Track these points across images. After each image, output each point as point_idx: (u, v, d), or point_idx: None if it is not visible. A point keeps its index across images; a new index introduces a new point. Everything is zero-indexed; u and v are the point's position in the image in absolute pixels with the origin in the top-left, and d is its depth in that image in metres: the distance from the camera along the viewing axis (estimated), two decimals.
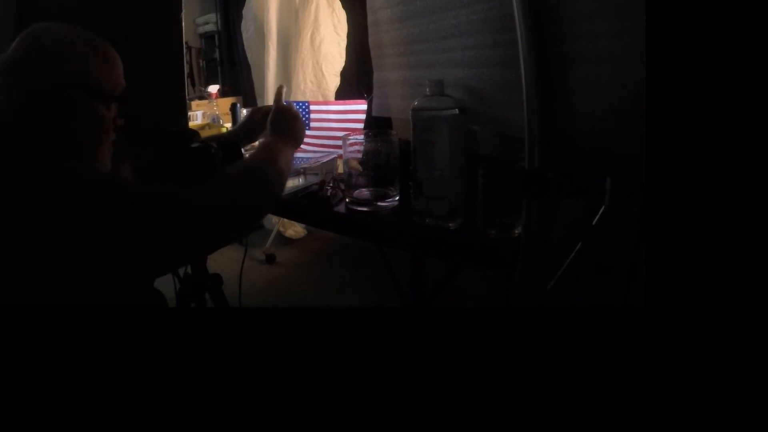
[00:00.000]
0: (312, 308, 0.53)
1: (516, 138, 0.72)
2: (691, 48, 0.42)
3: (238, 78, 3.16)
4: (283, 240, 2.66)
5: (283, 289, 2.20)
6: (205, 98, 2.87)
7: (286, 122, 0.91)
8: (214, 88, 2.82)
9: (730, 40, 0.41)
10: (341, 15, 2.36)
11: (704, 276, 0.41)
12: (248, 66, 2.58)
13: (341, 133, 1.06)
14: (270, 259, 2.43)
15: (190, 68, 3.35)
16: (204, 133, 1.18)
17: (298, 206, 1.06)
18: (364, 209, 0.97)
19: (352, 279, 2.23)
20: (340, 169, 1.14)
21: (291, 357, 0.47)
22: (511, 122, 0.79)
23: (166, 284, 0.93)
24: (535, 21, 0.65)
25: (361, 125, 1.46)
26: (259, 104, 2.48)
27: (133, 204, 0.58)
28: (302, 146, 1.50)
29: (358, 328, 0.50)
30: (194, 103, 2.74)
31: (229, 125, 2.24)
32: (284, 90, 0.99)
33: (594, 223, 0.73)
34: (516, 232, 0.78)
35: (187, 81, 2.08)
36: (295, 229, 2.69)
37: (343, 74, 2.43)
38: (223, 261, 0.73)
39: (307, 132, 1.51)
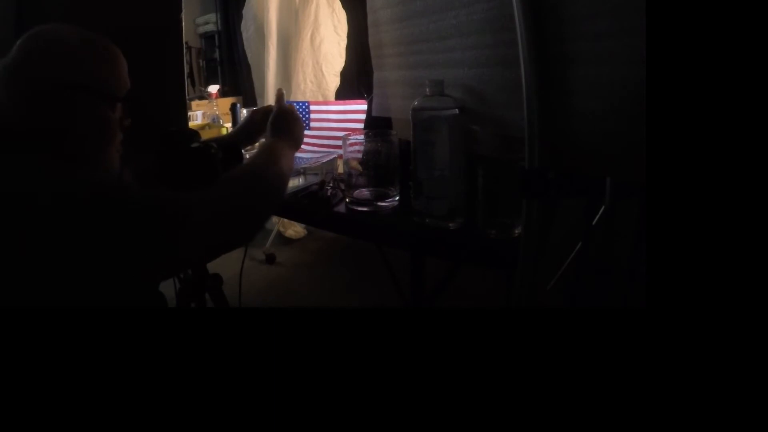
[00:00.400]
0: (312, 308, 0.53)
1: (516, 138, 0.72)
2: (691, 48, 0.42)
3: (238, 78, 3.16)
4: (283, 240, 2.66)
5: (283, 289, 2.20)
6: (205, 98, 2.87)
7: (287, 123, 0.91)
8: (214, 88, 2.82)
9: (731, 40, 0.41)
10: (341, 15, 2.36)
11: (704, 276, 0.41)
12: (248, 66, 2.58)
13: (341, 133, 1.06)
14: (270, 259, 2.43)
15: (190, 68, 3.36)
16: (204, 134, 1.18)
17: (298, 206, 1.06)
18: (364, 209, 0.97)
19: (352, 279, 2.23)
20: (340, 169, 1.14)
21: (291, 357, 0.47)
22: (511, 122, 0.79)
23: (166, 284, 0.93)
24: (535, 21, 0.65)
25: (361, 125, 1.46)
26: (259, 104, 2.48)
27: (138, 209, 0.58)
28: (302, 146, 1.51)
29: (358, 328, 0.50)
30: (194, 103, 2.74)
31: (229, 125, 2.24)
32: (284, 93, 0.99)
33: (594, 223, 0.73)
34: (516, 232, 0.78)
35: (187, 81, 2.08)
36: (295, 229, 2.69)
37: (343, 74, 2.43)
38: (223, 261, 0.73)
39: (307, 132, 1.51)
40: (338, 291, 2.15)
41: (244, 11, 2.47)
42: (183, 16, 1.72)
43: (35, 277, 0.53)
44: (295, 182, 1.13)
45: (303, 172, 1.15)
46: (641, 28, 0.48)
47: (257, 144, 1.23)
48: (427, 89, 0.85)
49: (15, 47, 0.65)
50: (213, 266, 1.00)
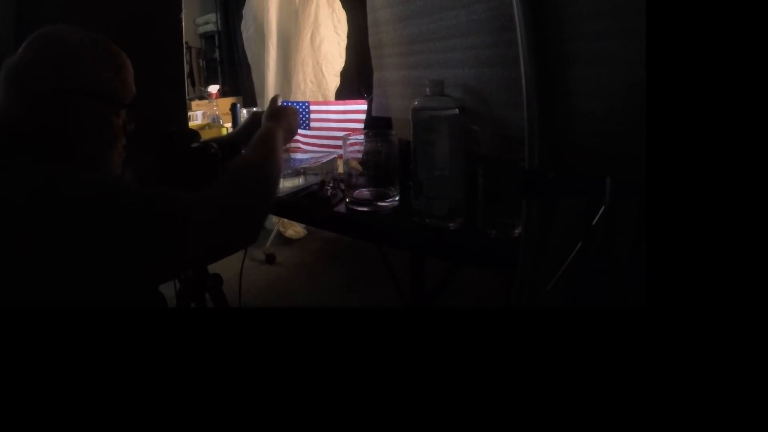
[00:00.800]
0: (312, 308, 0.53)
1: (516, 138, 0.72)
2: (692, 48, 0.42)
3: (238, 78, 3.16)
4: (283, 240, 2.66)
5: (283, 289, 2.20)
6: (205, 98, 2.87)
7: (283, 112, 0.93)
8: (214, 88, 2.82)
9: (731, 40, 0.41)
10: (341, 15, 2.36)
11: (704, 276, 0.41)
12: (248, 66, 2.58)
13: (341, 133, 1.06)
14: (270, 259, 2.43)
15: (190, 68, 3.36)
16: (204, 134, 1.18)
17: (298, 206, 1.06)
18: (364, 209, 0.97)
19: (352, 279, 2.23)
20: (340, 169, 1.14)
21: (291, 357, 0.47)
22: (511, 122, 0.79)
23: (166, 284, 0.93)
24: (535, 21, 0.65)
25: (361, 125, 1.46)
26: (259, 104, 2.48)
27: (139, 208, 0.58)
28: (302, 146, 1.51)
29: (358, 328, 0.50)
30: (194, 103, 2.74)
31: (229, 125, 2.23)
32: (280, 99, 1.00)
33: (594, 223, 0.73)
34: (516, 232, 0.78)
35: (187, 81, 2.08)
36: (295, 229, 2.69)
37: (343, 74, 2.43)
38: (223, 261, 0.73)
39: (307, 132, 1.51)
40: (338, 291, 2.15)
41: (244, 11, 2.47)
42: (183, 16, 1.72)
43: (38, 277, 0.53)
44: (295, 182, 1.13)
45: (303, 172, 1.15)
46: (641, 28, 0.48)
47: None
48: (427, 89, 0.85)
49: (22, 48, 0.65)
50: (213, 266, 1.00)
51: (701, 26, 0.42)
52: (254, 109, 1.54)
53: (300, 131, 1.50)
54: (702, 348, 0.40)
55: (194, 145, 0.89)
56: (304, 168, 1.16)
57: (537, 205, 0.67)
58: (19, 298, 0.54)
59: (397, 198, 0.98)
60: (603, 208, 0.69)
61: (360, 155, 0.99)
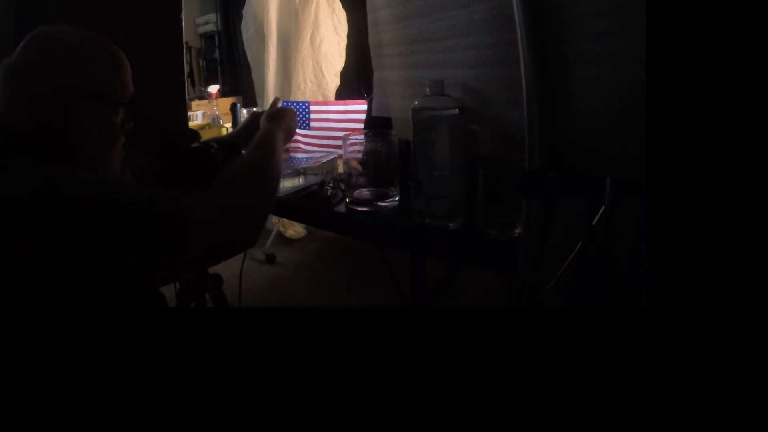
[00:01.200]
0: (312, 308, 0.53)
1: (516, 138, 0.72)
2: (692, 48, 0.42)
3: (238, 78, 3.16)
4: (283, 240, 2.66)
5: (283, 289, 2.20)
6: (205, 98, 2.87)
7: (282, 114, 0.94)
8: (214, 88, 2.82)
9: (731, 40, 0.41)
10: (341, 15, 2.36)
11: (704, 276, 0.41)
12: (248, 66, 2.58)
13: (341, 133, 1.06)
14: (270, 259, 2.43)
15: (190, 68, 3.36)
16: (204, 134, 1.18)
17: (298, 206, 1.06)
18: (364, 209, 0.97)
19: (352, 279, 2.23)
20: (340, 169, 1.14)
21: (291, 357, 0.47)
22: (511, 122, 0.79)
23: (166, 284, 0.93)
24: (535, 21, 0.65)
25: (361, 125, 1.45)
26: (259, 104, 2.48)
27: (138, 208, 0.58)
28: (302, 146, 1.51)
29: (358, 328, 0.50)
30: (194, 103, 2.74)
31: (229, 125, 2.24)
32: (280, 101, 1.01)
33: (594, 223, 0.73)
34: (516, 232, 0.78)
35: (187, 81, 2.08)
36: (295, 229, 2.69)
37: (343, 74, 2.43)
38: (224, 261, 0.73)
39: (307, 132, 1.51)
40: (338, 291, 2.15)
41: (244, 11, 2.47)
42: (183, 16, 1.72)
43: (37, 277, 0.53)
44: (295, 182, 1.13)
45: (303, 172, 1.15)
46: (641, 28, 0.48)
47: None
48: (427, 89, 0.85)
49: (20, 47, 0.65)
50: (213, 266, 1.00)
51: (701, 26, 0.42)
52: (254, 109, 1.54)
53: (300, 131, 1.50)
54: (702, 348, 0.40)
55: (194, 145, 0.89)
56: (304, 168, 1.16)
57: (537, 205, 0.67)
58: (19, 297, 0.54)
59: (397, 198, 0.98)
60: (603, 208, 0.69)
61: (360, 155, 0.99)
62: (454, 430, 0.44)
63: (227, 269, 1.10)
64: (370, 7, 1.25)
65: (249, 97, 2.81)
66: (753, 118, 0.40)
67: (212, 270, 1.07)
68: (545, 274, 0.74)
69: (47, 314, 0.49)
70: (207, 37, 3.59)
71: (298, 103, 1.55)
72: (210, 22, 3.49)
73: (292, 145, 1.39)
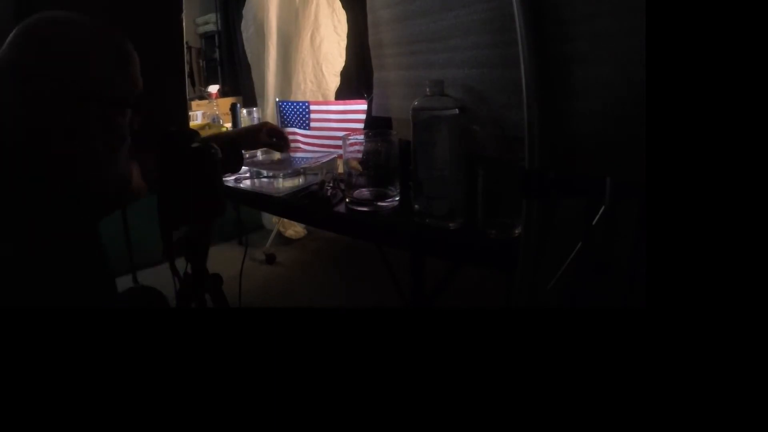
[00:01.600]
0: (312, 308, 0.53)
1: (516, 138, 0.72)
2: (692, 48, 0.42)
3: (238, 78, 3.16)
4: (283, 240, 2.66)
5: (283, 289, 2.20)
6: (205, 98, 2.87)
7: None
8: (214, 88, 2.81)
9: (731, 40, 0.41)
10: (341, 15, 2.36)
11: (704, 276, 0.41)
12: (248, 66, 2.58)
13: (341, 133, 1.06)
14: (270, 259, 2.43)
15: (190, 68, 3.36)
16: (204, 134, 1.18)
17: (298, 206, 1.06)
18: (364, 209, 0.97)
19: (353, 279, 2.23)
20: (340, 169, 1.14)
21: (291, 357, 0.47)
22: (511, 122, 0.79)
23: (166, 284, 0.93)
24: (535, 21, 0.65)
25: (361, 125, 1.45)
26: (259, 104, 2.48)
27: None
28: (302, 146, 1.51)
29: (358, 328, 0.50)
30: (194, 103, 2.74)
31: (229, 125, 2.23)
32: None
33: (594, 223, 0.73)
34: (516, 232, 0.78)
35: (187, 81, 2.08)
36: (295, 229, 2.69)
37: (343, 74, 2.43)
38: (223, 261, 0.73)
39: (307, 132, 1.51)
40: (338, 291, 2.15)
41: (244, 11, 2.47)
42: (183, 16, 1.72)
43: (38, 277, 0.53)
44: (295, 182, 1.13)
45: (303, 172, 1.15)
46: (641, 28, 0.48)
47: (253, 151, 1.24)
48: (427, 89, 0.85)
49: (10, 40, 0.59)
50: (213, 266, 1.00)
51: (701, 26, 0.42)
52: (254, 109, 1.54)
53: (300, 131, 1.50)
54: (702, 348, 0.40)
55: (194, 145, 0.89)
56: (304, 168, 1.16)
57: (537, 205, 0.67)
58: (24, 298, 0.53)
59: (397, 198, 0.98)
60: (603, 208, 0.69)
61: (360, 155, 0.99)
62: (454, 430, 0.44)
63: (227, 269, 1.10)
64: (370, 7, 1.25)
65: (249, 97, 2.81)
66: (753, 118, 0.40)
67: (212, 270, 1.06)
68: (545, 274, 0.74)
69: (47, 314, 0.49)
70: (207, 37, 3.59)
71: (298, 103, 1.55)
72: (210, 22, 3.49)
73: (292, 145, 1.39)
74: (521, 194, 0.68)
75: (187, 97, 1.98)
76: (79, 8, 0.65)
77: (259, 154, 1.34)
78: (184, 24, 1.73)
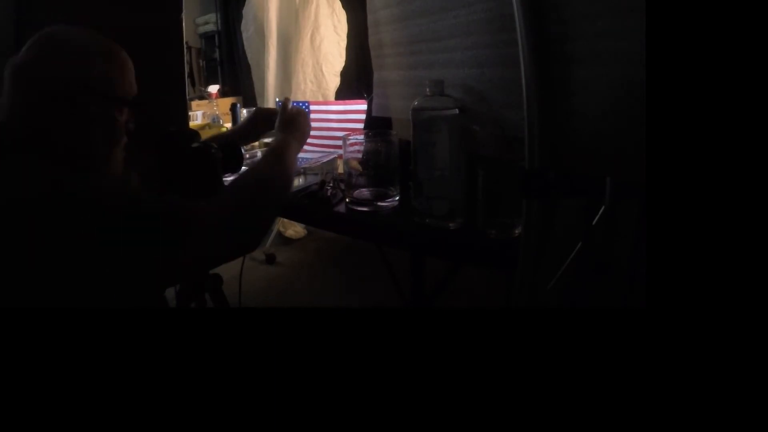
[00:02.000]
0: (312, 308, 0.53)
1: (516, 138, 0.72)
2: (692, 48, 0.42)
3: (238, 78, 3.16)
4: (283, 240, 2.66)
5: (283, 289, 2.20)
6: (205, 98, 2.87)
7: (296, 122, 0.93)
8: (214, 88, 2.81)
9: (731, 40, 0.41)
10: (341, 15, 2.36)
11: (704, 276, 0.41)
12: (248, 66, 2.58)
13: (341, 133, 1.06)
14: (270, 259, 2.43)
15: (190, 68, 3.35)
16: (204, 134, 1.18)
17: (298, 206, 1.06)
18: (364, 209, 0.97)
19: (353, 279, 2.23)
20: (340, 169, 1.14)
21: (291, 357, 0.47)
22: (511, 122, 0.79)
23: (168, 287, 0.93)
24: (535, 21, 0.65)
25: (361, 125, 1.45)
26: (259, 104, 2.48)
27: (146, 215, 0.59)
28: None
29: (358, 328, 0.50)
30: (194, 103, 2.73)
31: (229, 125, 2.24)
32: (290, 102, 1.01)
33: (594, 223, 0.73)
34: (516, 232, 0.78)
35: (187, 81, 2.08)
36: (295, 229, 2.69)
37: (343, 74, 2.43)
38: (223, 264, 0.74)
39: None
40: (338, 291, 2.15)
41: (244, 11, 2.47)
42: (183, 16, 1.72)
43: (45, 278, 0.54)
44: (295, 182, 1.13)
45: (303, 172, 1.15)
46: (641, 28, 0.48)
47: (256, 144, 1.24)
48: (427, 89, 0.85)
49: (26, 47, 0.65)
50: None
51: (701, 26, 0.42)
52: (254, 109, 1.54)
53: None
54: (702, 348, 0.40)
55: (194, 145, 0.89)
56: (304, 168, 1.16)
57: (537, 205, 0.67)
58: (26, 297, 0.54)
59: (397, 198, 0.98)
60: (603, 208, 0.69)
61: (360, 155, 0.99)
62: (455, 429, 0.44)
63: (227, 269, 1.10)
64: (370, 7, 1.25)
65: (249, 97, 2.81)
66: (752, 117, 0.40)
67: (212, 270, 1.07)
68: (545, 274, 0.74)
69: (47, 314, 0.49)
70: (207, 37, 3.59)
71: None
72: (210, 22, 3.49)
73: None
74: (521, 194, 0.68)
75: (187, 97, 1.98)
76: (79, 8, 0.66)
77: (259, 154, 1.34)
78: (184, 24, 1.73)
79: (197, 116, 2.61)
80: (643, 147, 0.45)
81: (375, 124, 1.29)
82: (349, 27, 2.36)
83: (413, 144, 0.87)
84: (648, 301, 0.43)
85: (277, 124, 0.94)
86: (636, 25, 0.53)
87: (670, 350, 0.41)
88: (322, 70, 2.39)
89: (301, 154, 1.34)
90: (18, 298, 0.54)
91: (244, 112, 1.77)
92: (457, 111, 0.84)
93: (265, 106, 2.39)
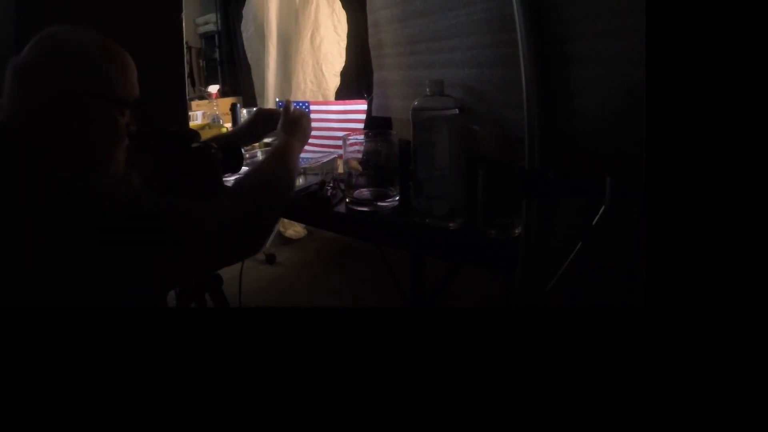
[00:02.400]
0: (312, 308, 0.53)
1: (516, 138, 0.72)
2: (691, 48, 0.42)
3: (238, 78, 3.16)
4: (283, 240, 2.66)
5: (283, 289, 2.20)
6: (205, 98, 2.86)
7: (298, 123, 0.95)
8: (214, 88, 2.81)
9: (731, 41, 0.41)
10: (341, 15, 2.36)
11: (704, 276, 0.41)
12: (248, 66, 2.58)
13: (341, 133, 1.06)
14: (270, 259, 2.43)
15: (190, 68, 3.35)
16: (204, 134, 1.18)
17: (298, 206, 1.06)
18: (364, 209, 0.97)
19: (353, 279, 2.23)
20: (340, 169, 1.14)
21: (291, 357, 0.47)
22: (511, 122, 0.79)
23: (171, 289, 0.93)
24: (535, 21, 0.65)
25: (361, 125, 1.45)
26: (259, 104, 2.48)
27: (150, 217, 0.59)
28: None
29: (358, 328, 0.50)
30: (194, 103, 2.73)
31: (229, 125, 2.24)
32: (293, 105, 1.01)
33: (594, 223, 0.73)
34: (516, 232, 0.78)
35: (187, 81, 2.08)
36: (295, 229, 2.69)
37: (343, 74, 2.43)
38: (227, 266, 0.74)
39: None
40: (338, 291, 2.15)
41: (244, 11, 2.47)
42: (183, 16, 1.72)
43: (48, 281, 0.53)
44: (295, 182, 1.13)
45: (303, 172, 1.15)
46: (641, 28, 0.48)
47: (256, 144, 1.24)
48: (427, 89, 0.85)
49: (28, 48, 0.64)
50: None
51: (701, 26, 0.42)
52: (254, 109, 1.54)
53: None
54: (702, 348, 0.40)
55: (194, 145, 0.89)
56: (304, 168, 1.16)
57: (537, 205, 0.67)
58: (28, 298, 0.54)
59: (397, 198, 0.98)
60: (603, 208, 0.69)
61: (360, 155, 0.99)
62: (454, 430, 0.44)
63: (227, 269, 1.10)
64: (370, 7, 1.25)
65: (249, 97, 2.81)
66: (752, 117, 0.40)
67: None
68: (545, 274, 0.74)
69: (47, 314, 0.49)
70: (207, 37, 3.59)
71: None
72: (210, 22, 3.49)
73: None
74: (521, 194, 0.68)
75: (187, 97, 1.98)
76: (80, 8, 0.66)
77: (259, 154, 1.34)
78: (184, 24, 1.73)
79: (197, 116, 2.61)
80: (643, 147, 0.45)
81: (375, 124, 1.29)
82: (349, 27, 2.36)
83: (413, 144, 0.87)
84: (648, 301, 0.43)
85: (279, 125, 0.94)
86: (636, 25, 0.53)
87: (670, 350, 0.41)
88: (322, 70, 2.39)
89: (301, 154, 1.34)
90: (21, 299, 0.54)
91: (244, 112, 1.77)
92: (457, 111, 0.84)
93: (265, 106, 2.39)
